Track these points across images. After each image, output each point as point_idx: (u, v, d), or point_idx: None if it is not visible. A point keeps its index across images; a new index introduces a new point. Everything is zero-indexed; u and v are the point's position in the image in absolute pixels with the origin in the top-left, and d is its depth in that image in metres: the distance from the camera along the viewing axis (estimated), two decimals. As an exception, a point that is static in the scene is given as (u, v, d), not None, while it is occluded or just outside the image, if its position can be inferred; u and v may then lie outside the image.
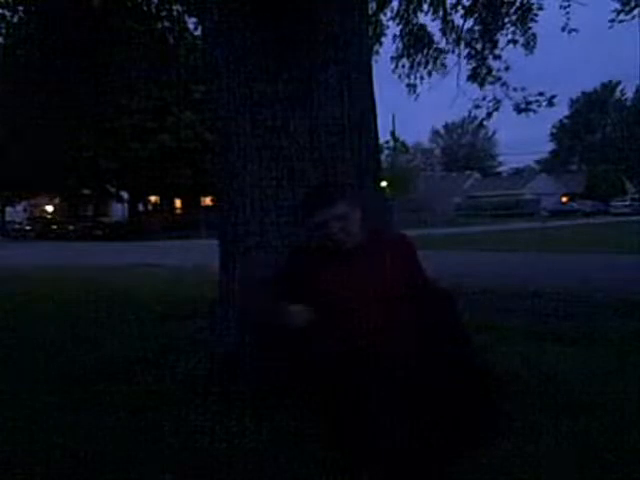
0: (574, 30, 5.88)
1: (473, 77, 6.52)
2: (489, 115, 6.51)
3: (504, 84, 6.42)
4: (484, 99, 6.45)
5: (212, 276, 3.79)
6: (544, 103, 6.09)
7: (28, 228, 35.83)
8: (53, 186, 31.86)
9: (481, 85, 6.53)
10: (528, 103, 6.20)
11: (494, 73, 6.48)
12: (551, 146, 69.83)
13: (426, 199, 39.96)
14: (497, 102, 6.39)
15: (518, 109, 6.29)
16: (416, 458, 1.70)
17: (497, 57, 6.46)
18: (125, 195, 34.22)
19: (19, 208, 41.47)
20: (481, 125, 7.38)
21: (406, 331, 1.81)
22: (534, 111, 6.24)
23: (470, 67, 6.58)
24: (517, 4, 6.09)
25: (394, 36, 6.65)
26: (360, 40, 3.18)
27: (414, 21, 6.52)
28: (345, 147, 3.02)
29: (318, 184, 2.84)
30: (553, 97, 6.10)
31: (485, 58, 6.46)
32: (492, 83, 6.48)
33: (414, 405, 1.70)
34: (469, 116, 6.85)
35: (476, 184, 58.21)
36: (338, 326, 1.81)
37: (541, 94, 6.13)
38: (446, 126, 76.32)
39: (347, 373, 1.76)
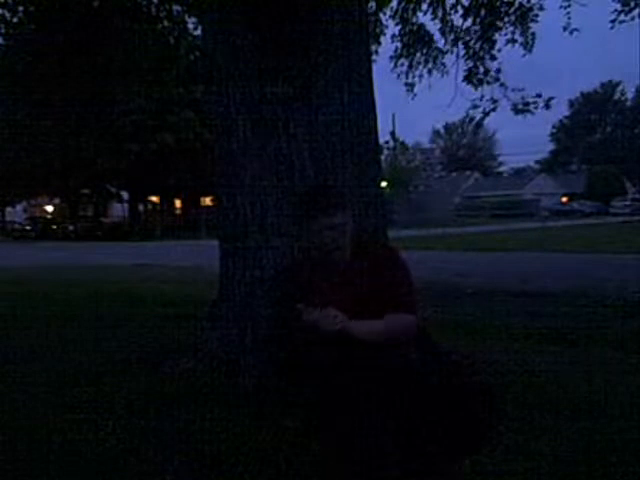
0: (576, 30, 5.87)
1: (468, 78, 6.50)
2: (486, 115, 6.51)
3: (502, 84, 6.42)
4: (482, 99, 6.45)
5: (212, 276, 3.79)
6: (541, 105, 6.10)
7: (28, 228, 35.86)
8: (53, 186, 31.88)
9: (476, 86, 6.52)
10: (526, 104, 6.20)
11: (491, 74, 6.47)
12: (551, 146, 69.91)
13: (426, 199, 39.96)
14: (494, 102, 6.39)
15: (516, 110, 6.30)
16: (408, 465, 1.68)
17: (494, 58, 6.45)
18: (125, 195, 34.24)
19: (19, 208, 41.49)
20: (478, 125, 7.38)
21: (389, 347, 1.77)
22: (532, 112, 6.25)
23: (467, 67, 6.57)
24: (516, 4, 6.08)
25: (392, 35, 6.65)
26: (360, 40, 3.18)
27: (413, 20, 6.52)
28: (345, 147, 3.02)
29: (316, 185, 2.80)
30: (550, 99, 6.11)
31: (482, 58, 6.45)
32: (489, 83, 6.47)
33: (400, 415, 1.67)
34: (467, 116, 6.85)
35: (476, 184, 58.27)
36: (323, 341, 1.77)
37: (539, 96, 6.14)
38: (446, 126, 76.40)
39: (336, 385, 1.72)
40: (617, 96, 66.55)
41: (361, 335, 1.76)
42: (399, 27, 6.57)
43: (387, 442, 1.63)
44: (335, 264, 1.85)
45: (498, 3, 6.12)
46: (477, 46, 6.42)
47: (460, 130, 74.19)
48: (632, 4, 5.53)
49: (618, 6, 5.61)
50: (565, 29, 5.89)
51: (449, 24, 6.44)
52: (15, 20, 5.56)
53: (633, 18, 5.59)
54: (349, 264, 1.85)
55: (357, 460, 1.63)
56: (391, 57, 6.83)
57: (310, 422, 1.92)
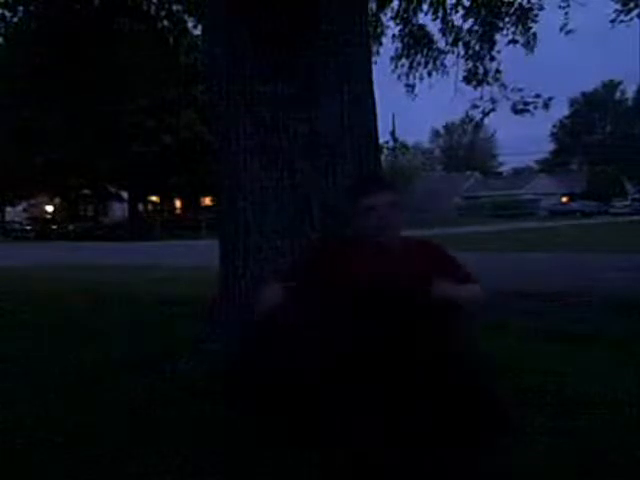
0: (571, 31, 5.92)
1: (468, 79, 6.51)
2: (485, 115, 6.53)
3: (502, 84, 6.43)
4: (481, 99, 6.48)
5: (212, 276, 3.79)
6: (540, 105, 6.13)
7: (28, 228, 35.83)
8: (53, 186, 31.89)
9: (475, 87, 6.53)
10: (525, 104, 6.22)
11: (491, 74, 6.48)
12: (551, 146, 69.79)
13: (426, 199, 39.96)
14: (493, 102, 6.41)
15: (515, 110, 6.32)
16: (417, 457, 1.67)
17: (493, 58, 6.47)
18: (125, 195, 34.23)
19: (19, 208, 41.47)
20: (477, 126, 7.42)
21: (426, 337, 1.74)
22: (531, 113, 6.27)
23: (467, 68, 6.58)
24: (516, 4, 6.09)
25: (393, 36, 6.66)
26: (360, 40, 3.18)
27: (414, 21, 6.52)
28: (345, 147, 3.02)
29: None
30: (550, 99, 6.15)
31: (482, 58, 6.46)
32: (488, 84, 6.48)
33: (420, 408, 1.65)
34: (466, 116, 6.87)
35: (476, 184, 58.16)
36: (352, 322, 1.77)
37: (538, 96, 6.17)
38: (446, 126, 76.34)
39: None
40: (617, 96, 66.48)
41: (463, 301, 1.78)
42: (400, 27, 6.58)
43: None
44: (378, 246, 1.85)
45: (498, 3, 6.13)
46: (477, 46, 6.43)
47: (460, 130, 74.10)
48: (631, 5, 5.55)
49: (618, 6, 5.64)
50: (562, 29, 5.93)
51: (450, 24, 6.45)
52: (15, 20, 5.57)
53: (632, 19, 5.62)
54: (395, 249, 1.86)
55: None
56: (392, 58, 6.85)
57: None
